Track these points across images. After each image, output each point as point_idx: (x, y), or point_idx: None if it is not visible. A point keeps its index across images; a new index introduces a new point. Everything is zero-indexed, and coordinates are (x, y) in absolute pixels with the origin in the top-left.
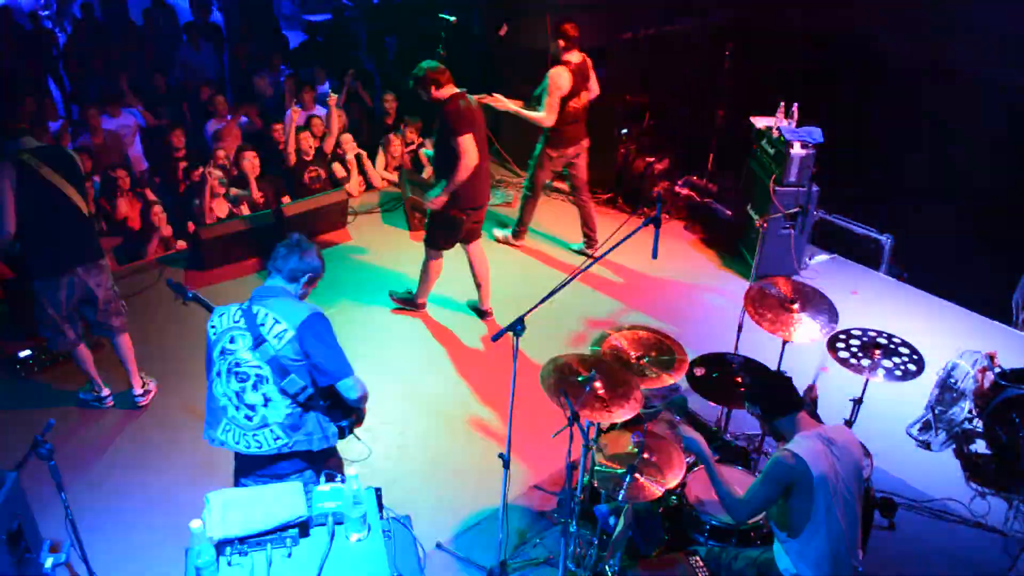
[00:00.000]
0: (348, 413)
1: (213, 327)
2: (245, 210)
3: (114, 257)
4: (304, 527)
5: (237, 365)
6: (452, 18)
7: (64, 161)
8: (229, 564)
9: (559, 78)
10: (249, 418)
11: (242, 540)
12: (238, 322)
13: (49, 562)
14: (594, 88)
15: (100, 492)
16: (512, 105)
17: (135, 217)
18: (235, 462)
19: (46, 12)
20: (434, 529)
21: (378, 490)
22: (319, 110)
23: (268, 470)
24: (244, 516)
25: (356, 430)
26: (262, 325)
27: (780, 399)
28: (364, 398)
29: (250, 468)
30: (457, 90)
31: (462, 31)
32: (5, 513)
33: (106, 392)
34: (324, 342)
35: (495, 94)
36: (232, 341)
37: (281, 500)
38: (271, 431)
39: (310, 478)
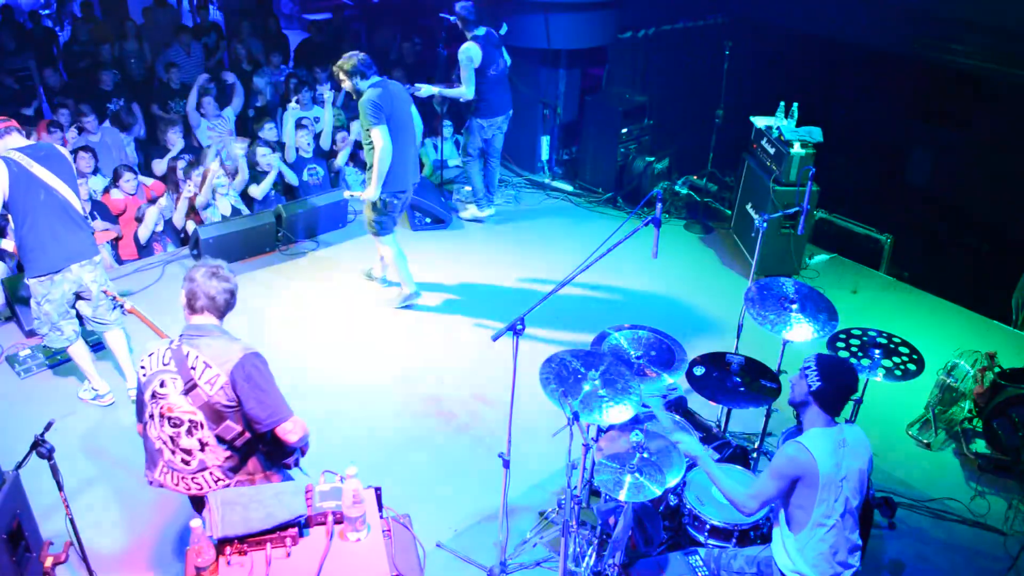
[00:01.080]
0: (291, 452)
1: (143, 368)
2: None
3: (112, 256)
4: (303, 526)
5: (169, 410)
6: (452, 18)
7: (56, 159)
8: (229, 564)
9: (469, 51)
10: (186, 462)
11: (242, 540)
12: (168, 364)
13: (49, 561)
14: (507, 59)
15: (100, 491)
16: (433, 88)
17: (133, 216)
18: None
19: (46, 11)
20: (434, 529)
21: (378, 490)
22: (316, 108)
23: None
24: (244, 515)
25: (302, 463)
26: (193, 368)
27: (838, 394)
28: (305, 438)
29: (200, 505)
30: (378, 79)
31: (462, 30)
32: (5, 512)
33: (105, 390)
34: (257, 386)
35: (416, 83)
36: (163, 385)
37: (281, 499)
38: (211, 474)
39: None
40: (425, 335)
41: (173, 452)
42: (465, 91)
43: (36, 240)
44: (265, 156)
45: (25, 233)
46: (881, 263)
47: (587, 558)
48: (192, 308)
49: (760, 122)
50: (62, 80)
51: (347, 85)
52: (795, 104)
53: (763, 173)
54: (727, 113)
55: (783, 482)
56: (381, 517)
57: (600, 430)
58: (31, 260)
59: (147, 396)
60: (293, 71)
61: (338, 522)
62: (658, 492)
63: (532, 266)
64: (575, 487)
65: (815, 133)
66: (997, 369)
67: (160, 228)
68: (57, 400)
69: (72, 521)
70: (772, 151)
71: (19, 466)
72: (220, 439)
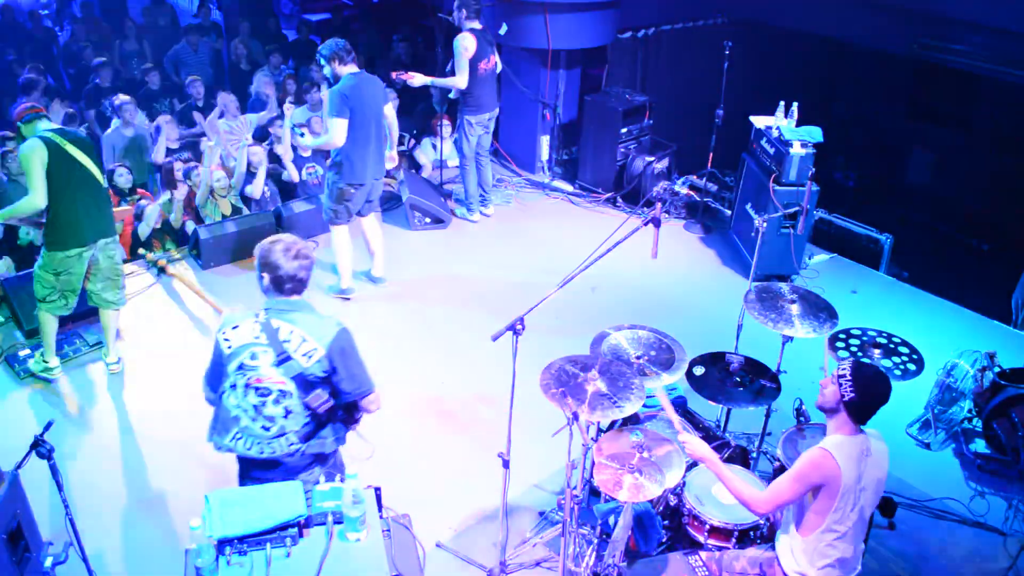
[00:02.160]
0: (357, 419)
1: (227, 341)
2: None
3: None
4: (303, 526)
5: (259, 381)
6: (451, 17)
7: (82, 140)
8: (229, 564)
9: (464, 40)
10: (267, 428)
11: (242, 540)
12: (258, 338)
13: (48, 562)
14: (497, 61)
15: (100, 492)
16: (426, 79)
17: (130, 219)
18: (239, 464)
19: (46, 11)
20: (434, 529)
21: (378, 490)
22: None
23: (277, 471)
24: (244, 516)
25: (359, 429)
26: (287, 342)
27: (870, 406)
28: (379, 408)
29: (258, 467)
30: (356, 69)
31: (460, 21)
32: (5, 512)
33: (55, 364)
34: (352, 359)
35: (409, 72)
36: (253, 357)
37: (281, 500)
38: (287, 439)
39: (317, 475)
40: (425, 335)
41: (253, 419)
42: (458, 81)
43: (71, 215)
44: (256, 155)
45: (61, 208)
46: (881, 263)
47: (587, 558)
48: (280, 290)
49: (760, 122)
50: (61, 80)
51: (326, 70)
52: (795, 104)
53: (763, 173)
54: (727, 113)
55: (804, 487)
56: (381, 517)
57: (600, 430)
58: (64, 234)
59: (232, 367)
60: (294, 72)
61: (338, 522)
62: (658, 492)
63: (532, 266)
64: (575, 487)
65: (815, 133)
66: (997, 369)
67: (159, 226)
68: (56, 400)
69: (72, 521)
70: (772, 151)
71: (19, 466)
72: (307, 406)
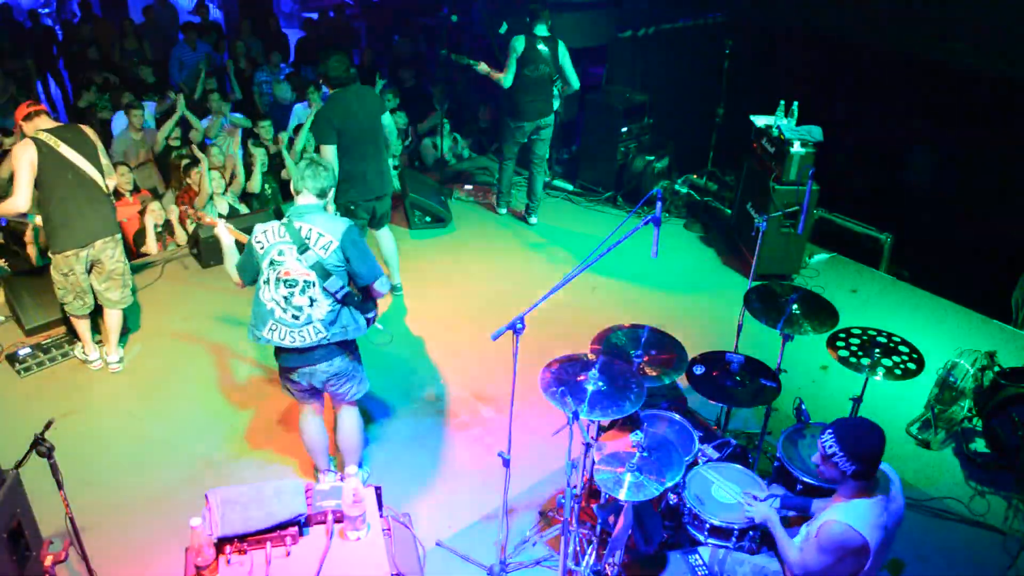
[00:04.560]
0: (374, 305)
1: (259, 242)
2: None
3: None
4: (303, 525)
5: (286, 274)
6: (453, 16)
7: (81, 139)
8: (228, 562)
9: (513, 40)
10: (296, 318)
11: (242, 538)
12: (283, 237)
13: (49, 560)
14: (572, 80)
15: (100, 491)
16: (487, 69)
17: (134, 216)
18: (277, 358)
19: (46, 10)
20: (434, 527)
21: (378, 489)
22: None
23: (306, 358)
24: (244, 514)
25: (377, 320)
26: (307, 238)
27: (874, 463)
28: (384, 293)
29: (293, 364)
30: (338, 90)
31: (463, 29)
32: (5, 511)
33: (94, 356)
34: (361, 249)
35: (480, 61)
36: (280, 253)
37: (281, 498)
38: (314, 327)
39: (341, 364)
40: (425, 334)
41: (284, 310)
42: (504, 77)
43: (64, 216)
44: (256, 154)
45: (53, 209)
46: (881, 262)
47: (587, 557)
48: (297, 191)
49: (760, 121)
50: (61, 79)
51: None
52: (795, 103)
53: (763, 172)
54: (727, 112)
55: (831, 560)
56: (381, 516)
57: (600, 428)
58: (59, 236)
59: (264, 264)
60: (294, 70)
61: (338, 521)
62: (658, 491)
63: (532, 266)
64: (575, 486)
65: (815, 132)
66: (997, 368)
67: (161, 226)
68: (57, 399)
69: (72, 520)
70: (772, 150)
71: (19, 465)
72: (327, 291)
